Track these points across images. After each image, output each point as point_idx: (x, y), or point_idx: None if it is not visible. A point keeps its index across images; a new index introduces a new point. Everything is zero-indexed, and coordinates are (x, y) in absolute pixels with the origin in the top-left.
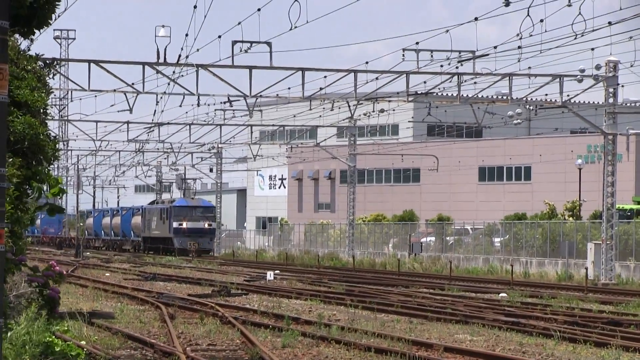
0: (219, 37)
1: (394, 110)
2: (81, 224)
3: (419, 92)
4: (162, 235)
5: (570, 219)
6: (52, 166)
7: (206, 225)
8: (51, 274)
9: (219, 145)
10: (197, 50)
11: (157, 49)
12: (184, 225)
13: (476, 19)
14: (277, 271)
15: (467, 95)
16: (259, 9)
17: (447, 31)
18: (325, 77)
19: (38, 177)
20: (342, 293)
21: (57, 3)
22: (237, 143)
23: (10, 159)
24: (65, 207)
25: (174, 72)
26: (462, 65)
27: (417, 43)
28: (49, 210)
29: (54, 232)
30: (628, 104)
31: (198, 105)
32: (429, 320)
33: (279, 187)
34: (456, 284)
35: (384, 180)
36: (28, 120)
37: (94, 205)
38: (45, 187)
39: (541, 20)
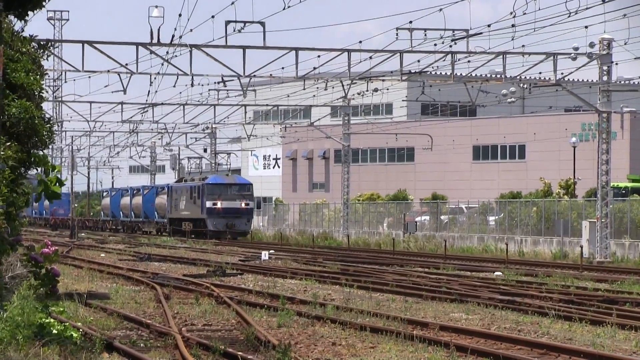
0: (213, 17)
1: (387, 89)
2: (75, 204)
3: (412, 71)
4: (192, 216)
5: (565, 197)
6: (47, 149)
7: (243, 205)
8: (48, 252)
9: (213, 126)
10: (191, 30)
11: (151, 30)
12: (219, 204)
13: None
14: (272, 251)
15: (461, 74)
16: None
17: (441, 10)
18: (318, 56)
19: (34, 160)
20: (337, 272)
21: None
22: (231, 123)
23: (8, 143)
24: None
25: (167, 52)
26: (455, 44)
27: (410, 22)
28: (47, 197)
29: (64, 213)
30: (622, 82)
31: (192, 85)
32: (424, 299)
33: (273, 167)
34: (451, 262)
35: (378, 159)
36: (23, 104)
37: (88, 187)
38: (40, 170)
39: None
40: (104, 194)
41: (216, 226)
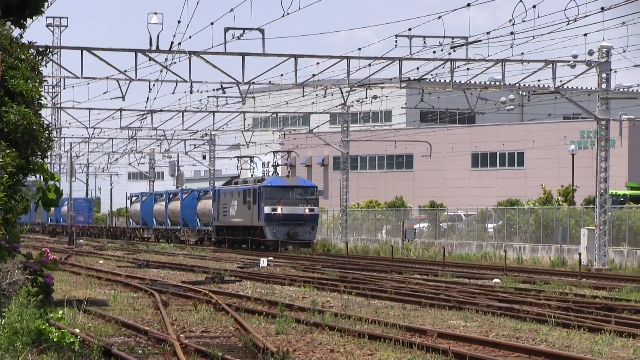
0: (212, 24)
1: (386, 96)
2: (71, 212)
3: (411, 79)
4: (246, 223)
5: (564, 204)
6: (46, 156)
7: (306, 211)
8: (45, 261)
9: (212, 132)
10: (190, 37)
11: (150, 36)
12: (279, 210)
13: (469, 5)
14: (270, 258)
15: (460, 81)
16: None
17: (440, 17)
18: (317, 63)
19: (32, 167)
20: (336, 279)
21: None
22: (230, 130)
23: (7, 151)
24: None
25: (166, 59)
26: (454, 51)
27: (409, 29)
28: (44, 204)
29: (84, 220)
30: (621, 90)
31: (191, 92)
32: (423, 307)
33: (272, 174)
34: (449, 270)
35: (377, 166)
36: (22, 111)
37: (87, 193)
38: (38, 177)
39: (534, 6)
40: (134, 198)
41: (276, 235)
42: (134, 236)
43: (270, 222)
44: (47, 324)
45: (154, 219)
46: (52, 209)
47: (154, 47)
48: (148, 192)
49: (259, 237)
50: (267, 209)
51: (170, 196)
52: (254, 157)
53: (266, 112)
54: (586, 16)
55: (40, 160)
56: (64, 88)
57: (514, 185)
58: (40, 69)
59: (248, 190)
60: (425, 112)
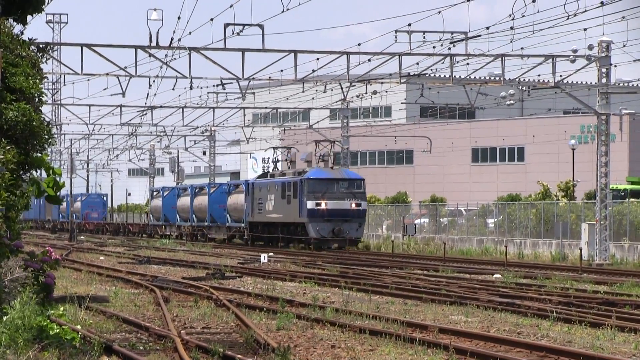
0: (211, 20)
1: (386, 92)
2: (71, 208)
3: (411, 74)
4: (285, 219)
5: (564, 199)
6: (45, 151)
7: (353, 206)
8: (47, 260)
9: (212, 128)
10: (190, 33)
11: (150, 32)
12: (323, 205)
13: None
14: (271, 254)
15: (460, 77)
16: None
17: (439, 12)
18: (317, 59)
19: (32, 163)
20: (337, 275)
21: None
22: (230, 126)
23: (8, 147)
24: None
25: (166, 55)
26: (454, 46)
27: (409, 24)
28: (47, 198)
29: (98, 217)
30: (621, 84)
31: (191, 88)
32: (424, 302)
33: (273, 170)
34: (450, 265)
35: (377, 162)
36: (22, 108)
37: (87, 190)
38: (40, 173)
39: (533, 1)
40: (154, 193)
41: (319, 232)
42: (154, 233)
43: (313, 218)
44: (49, 321)
45: (177, 215)
46: (64, 205)
47: (153, 44)
48: (170, 187)
49: (300, 235)
50: (309, 204)
51: (196, 190)
52: (291, 148)
53: (266, 107)
54: (586, 11)
55: (40, 155)
56: (64, 84)
57: (514, 180)
58: (40, 65)
59: (288, 183)
60: (425, 108)
